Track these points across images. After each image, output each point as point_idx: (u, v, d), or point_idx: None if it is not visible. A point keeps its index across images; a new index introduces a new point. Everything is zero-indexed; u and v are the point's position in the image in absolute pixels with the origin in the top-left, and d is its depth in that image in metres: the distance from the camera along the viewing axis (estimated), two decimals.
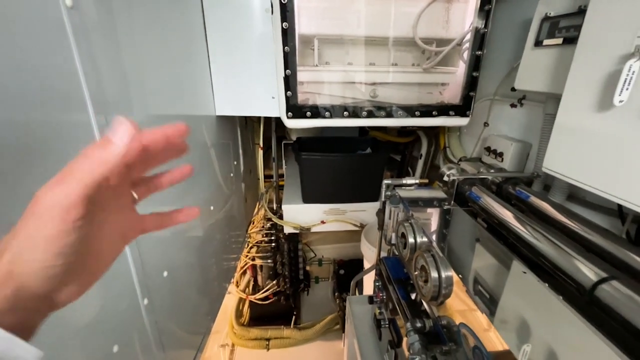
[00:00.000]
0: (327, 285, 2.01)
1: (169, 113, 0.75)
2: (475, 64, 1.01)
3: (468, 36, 1.00)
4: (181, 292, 0.83)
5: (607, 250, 0.57)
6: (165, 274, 0.67)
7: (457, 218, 0.78)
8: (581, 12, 0.68)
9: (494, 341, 0.45)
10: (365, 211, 1.48)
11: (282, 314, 1.82)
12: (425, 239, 0.68)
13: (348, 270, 1.89)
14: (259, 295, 1.70)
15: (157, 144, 0.28)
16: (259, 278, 1.78)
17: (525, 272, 0.53)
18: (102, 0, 0.49)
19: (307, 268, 1.83)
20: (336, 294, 1.80)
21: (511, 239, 0.67)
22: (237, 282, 1.83)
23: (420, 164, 1.72)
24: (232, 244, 1.54)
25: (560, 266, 0.54)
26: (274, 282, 1.70)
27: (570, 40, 0.71)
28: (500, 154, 1.05)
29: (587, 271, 0.49)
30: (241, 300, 1.89)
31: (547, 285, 0.49)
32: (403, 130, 1.77)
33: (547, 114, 0.86)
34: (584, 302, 0.47)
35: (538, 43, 0.81)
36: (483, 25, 0.97)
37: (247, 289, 1.79)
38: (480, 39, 0.98)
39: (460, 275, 0.53)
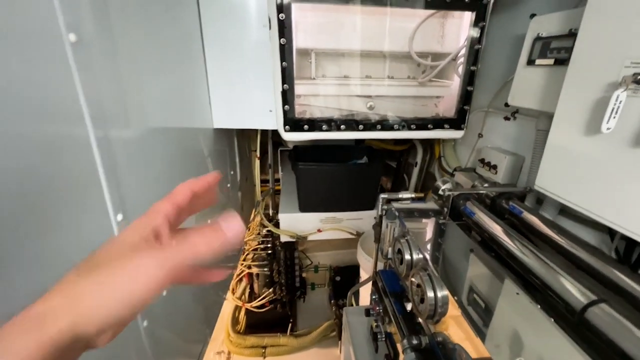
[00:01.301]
0: (323, 292, 2.01)
1: (167, 126, 0.76)
2: (469, 78, 1.03)
3: (463, 51, 1.02)
4: (179, 302, 0.83)
5: (595, 268, 0.59)
6: (164, 292, 0.68)
7: (452, 233, 0.80)
8: (571, 35, 0.70)
9: None
10: (361, 219, 1.50)
11: (278, 322, 1.82)
12: (421, 256, 0.69)
13: (344, 277, 1.90)
14: (256, 303, 1.70)
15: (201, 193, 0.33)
16: (255, 286, 1.78)
17: (518, 294, 0.54)
18: (99, 11, 0.49)
19: (303, 275, 1.84)
20: (332, 300, 1.81)
21: (503, 255, 0.69)
22: (233, 290, 1.83)
23: (415, 171, 1.74)
24: (229, 252, 1.54)
25: (551, 286, 0.56)
26: (270, 290, 1.70)
27: (562, 62, 0.73)
28: (494, 167, 1.07)
29: (577, 293, 0.51)
30: (237, 308, 1.89)
31: (539, 307, 0.51)
32: (399, 139, 1.79)
33: (539, 129, 0.88)
34: (574, 323, 0.49)
35: (530, 62, 0.83)
36: (477, 41, 0.99)
37: (243, 297, 1.79)
38: (474, 55, 1.00)
39: (455, 298, 0.54)
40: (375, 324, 0.87)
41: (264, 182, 1.93)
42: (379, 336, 0.82)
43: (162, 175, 0.71)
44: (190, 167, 0.89)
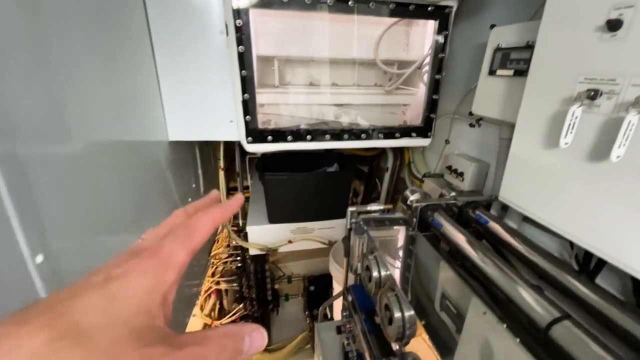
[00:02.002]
0: (298, 302, 1.96)
1: (114, 139, 0.69)
2: (435, 87, 1.03)
3: (428, 59, 1.02)
4: None
5: (556, 278, 0.59)
6: None
7: (421, 245, 0.79)
8: (529, 47, 0.71)
9: None
10: (333, 228, 1.47)
11: None
12: (389, 273, 0.67)
13: (319, 286, 1.87)
14: (225, 321, 1.62)
15: None
16: (225, 302, 1.69)
17: (485, 313, 0.53)
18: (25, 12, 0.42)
19: (276, 286, 1.78)
20: (307, 312, 1.77)
21: (469, 267, 0.68)
22: (201, 306, 1.74)
23: (387, 176, 1.74)
24: (194, 267, 1.45)
25: (516, 301, 0.55)
26: (241, 305, 1.63)
27: (521, 73, 0.73)
28: (461, 174, 1.08)
29: (541, 309, 0.50)
30: (206, 327, 1.79)
31: (505, 326, 0.49)
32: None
33: (502, 138, 0.89)
34: (541, 341, 0.48)
35: (492, 72, 0.84)
36: (441, 50, 0.99)
37: (212, 313, 1.70)
38: (439, 63, 1.00)
39: (423, 322, 0.52)
40: (346, 341, 0.84)
41: (232, 189, 1.85)
42: (350, 355, 0.79)
43: (106, 196, 0.63)
44: (143, 184, 0.82)
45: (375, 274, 0.68)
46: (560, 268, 0.61)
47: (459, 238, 0.72)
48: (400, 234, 0.88)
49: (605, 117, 0.47)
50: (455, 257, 0.73)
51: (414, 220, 0.86)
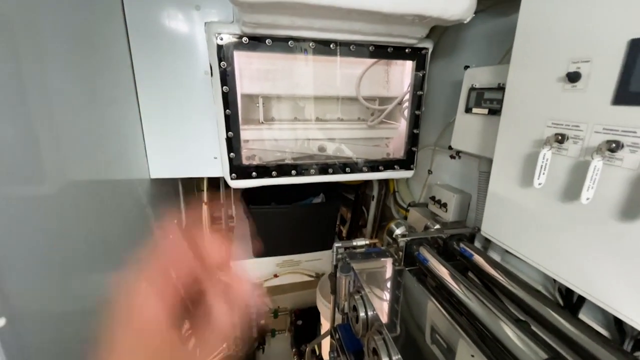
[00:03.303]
0: (285, 338, 1.87)
1: (93, 178, 0.67)
2: (415, 122, 1.07)
3: (407, 96, 1.06)
4: None
5: (541, 314, 0.59)
6: None
7: (408, 280, 0.78)
8: (500, 88, 0.75)
9: None
10: (320, 260, 1.45)
11: None
12: (376, 313, 0.65)
13: (306, 320, 1.79)
14: None
15: None
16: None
17: (473, 356, 0.52)
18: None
19: (262, 322, 1.70)
20: (294, 349, 1.69)
21: (455, 303, 0.67)
22: None
23: (373, 204, 1.75)
24: None
25: (502, 341, 0.54)
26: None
27: (494, 112, 0.77)
28: (445, 205, 1.10)
29: (530, 351, 0.49)
30: None
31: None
32: None
33: (481, 171, 0.92)
34: None
35: (468, 109, 0.88)
36: (420, 87, 1.03)
37: None
38: (417, 100, 1.05)
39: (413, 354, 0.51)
40: None
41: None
42: None
43: (83, 237, 0.61)
44: (123, 222, 0.79)
45: (362, 314, 0.66)
46: (543, 303, 0.61)
47: (444, 272, 0.72)
48: (387, 265, 0.88)
49: (574, 160, 0.49)
50: (442, 293, 0.73)
51: (400, 254, 0.85)
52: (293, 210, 1.32)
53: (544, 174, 0.52)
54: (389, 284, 0.77)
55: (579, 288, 0.51)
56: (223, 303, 0.35)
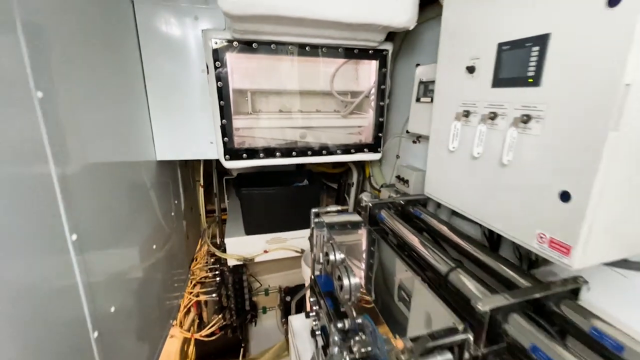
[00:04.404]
0: (275, 315, 2.05)
1: (110, 160, 0.83)
2: (380, 111, 1.27)
3: (373, 90, 1.26)
4: (130, 322, 0.86)
5: (471, 252, 0.79)
6: (112, 309, 0.72)
7: (383, 250, 0.97)
8: None
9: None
10: (304, 238, 1.63)
11: (230, 349, 1.81)
12: (342, 256, 0.84)
13: (294, 296, 1.98)
14: (205, 332, 1.68)
15: None
16: (204, 315, 1.76)
17: (407, 270, 0.71)
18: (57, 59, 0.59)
19: (254, 299, 1.88)
20: (283, 320, 1.87)
21: (401, 243, 0.87)
22: (180, 323, 1.79)
23: (352, 190, 1.95)
24: (175, 282, 1.54)
25: (428, 260, 0.74)
26: (220, 316, 1.71)
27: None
28: (407, 181, 1.30)
29: (443, 264, 0.69)
30: (186, 341, 1.83)
31: (420, 278, 0.68)
32: (335, 163, 2.00)
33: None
34: (444, 285, 0.67)
35: (418, 99, 1.08)
36: (382, 82, 1.23)
37: (191, 328, 1.75)
38: (381, 93, 1.25)
39: (369, 287, 0.69)
40: (314, 323, 0.98)
41: (210, 212, 1.98)
42: (316, 332, 0.93)
43: (111, 203, 0.78)
44: (132, 197, 0.96)
45: (331, 257, 0.85)
46: (474, 245, 0.81)
47: (398, 226, 0.92)
48: (363, 239, 1.06)
49: (473, 128, 0.69)
50: (401, 247, 0.92)
51: (364, 213, 1.05)
52: (280, 191, 1.50)
53: (456, 139, 0.72)
54: (353, 238, 0.96)
55: (478, 219, 0.72)
56: None
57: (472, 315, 0.57)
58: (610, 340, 0.49)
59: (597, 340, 0.51)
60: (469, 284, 0.62)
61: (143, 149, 1.02)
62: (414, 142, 1.35)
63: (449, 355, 0.49)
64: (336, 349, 0.71)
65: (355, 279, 0.73)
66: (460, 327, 0.53)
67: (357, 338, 0.70)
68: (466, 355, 0.55)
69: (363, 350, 0.66)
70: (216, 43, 0.98)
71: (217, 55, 0.98)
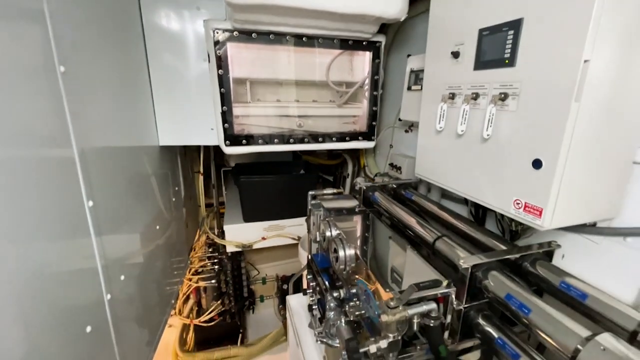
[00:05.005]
0: (272, 303, 2.10)
1: (116, 145, 0.88)
2: (374, 101, 1.33)
3: (367, 80, 1.32)
4: (139, 286, 0.91)
5: (458, 227, 0.85)
6: (122, 277, 0.77)
7: (378, 235, 1.03)
8: None
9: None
10: (301, 225, 1.68)
11: (228, 334, 1.85)
12: (338, 231, 0.90)
13: (293, 277, 2.03)
14: (204, 317, 1.73)
15: None
16: (203, 301, 1.81)
17: (390, 237, 0.77)
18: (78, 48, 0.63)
19: (252, 287, 1.92)
20: (280, 306, 1.92)
21: (399, 224, 0.93)
22: (179, 310, 1.83)
23: (348, 181, 2.00)
24: (175, 270, 1.58)
25: (417, 233, 0.80)
26: (219, 302, 1.75)
27: None
28: (399, 168, 1.36)
29: (430, 233, 0.75)
30: (185, 329, 1.87)
31: (409, 246, 0.74)
32: (331, 154, 2.06)
33: None
34: (431, 252, 0.73)
35: (409, 88, 1.14)
36: (376, 73, 1.29)
37: (190, 315, 1.80)
38: (375, 83, 1.30)
39: (365, 259, 0.75)
40: (311, 299, 1.04)
41: (208, 206, 2.02)
42: (313, 307, 0.99)
43: (119, 180, 0.82)
44: (138, 180, 1.00)
45: (328, 233, 0.90)
46: (461, 220, 0.87)
47: (391, 205, 0.98)
48: (358, 219, 1.12)
49: (458, 108, 0.75)
50: (395, 225, 0.98)
51: (358, 196, 1.10)
52: (277, 180, 1.55)
53: (442, 120, 0.78)
54: (348, 220, 1.01)
55: (463, 193, 0.78)
56: None
57: (456, 275, 0.63)
58: (576, 291, 0.56)
59: (565, 293, 0.57)
60: (454, 250, 0.68)
61: (147, 134, 1.07)
62: (406, 131, 1.41)
63: (433, 305, 0.55)
64: (332, 314, 0.76)
65: (350, 250, 0.78)
66: (445, 282, 0.59)
67: (351, 304, 0.75)
68: (449, 310, 0.61)
69: (357, 313, 0.72)
70: (217, 32, 1.02)
71: (218, 45, 1.03)
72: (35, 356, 0.50)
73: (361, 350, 0.56)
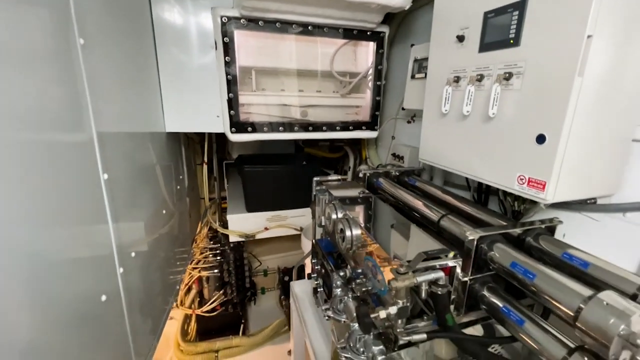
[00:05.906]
0: (274, 296, 2.11)
1: (126, 130, 0.89)
2: (377, 91, 1.35)
3: (370, 71, 1.34)
4: (147, 269, 0.93)
5: (461, 208, 0.87)
6: (133, 254, 0.79)
7: (379, 221, 1.05)
8: None
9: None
10: (304, 216, 1.69)
11: (230, 324, 1.86)
12: (344, 212, 0.91)
13: (292, 277, 2.04)
14: (206, 308, 1.74)
15: None
16: (205, 291, 1.81)
17: (394, 222, 0.79)
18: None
19: (253, 278, 1.93)
20: (282, 297, 1.93)
21: (405, 207, 0.95)
22: (181, 302, 1.84)
23: (349, 175, 2.02)
24: (177, 259, 1.59)
25: (423, 213, 0.82)
26: (221, 292, 1.76)
27: None
28: (402, 157, 1.38)
29: (436, 213, 0.77)
30: (187, 319, 1.88)
31: (414, 224, 0.76)
32: (333, 147, 2.07)
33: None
34: (437, 229, 0.74)
35: (413, 76, 1.16)
36: (380, 63, 1.31)
37: (193, 305, 1.80)
38: (378, 73, 1.32)
39: (375, 240, 0.76)
40: (315, 282, 1.05)
41: (210, 200, 2.03)
42: (318, 289, 1.00)
43: (129, 158, 0.84)
44: (146, 167, 1.02)
45: (334, 215, 0.92)
46: (464, 201, 0.89)
47: (395, 189, 1.00)
48: (362, 209, 1.14)
49: (463, 91, 0.77)
50: (399, 208, 1.00)
51: (362, 183, 1.12)
52: (280, 170, 1.57)
53: (448, 103, 0.80)
54: (352, 207, 1.03)
55: (467, 173, 0.80)
56: None
57: (462, 252, 0.64)
58: (578, 260, 0.58)
59: (568, 263, 0.59)
60: (459, 226, 0.70)
61: (154, 121, 1.08)
62: (409, 122, 1.43)
63: (441, 273, 0.57)
64: (339, 290, 0.78)
65: (356, 229, 0.80)
66: (451, 254, 0.61)
67: (357, 281, 0.77)
68: (455, 281, 0.62)
69: (364, 289, 0.74)
70: (225, 20, 1.04)
71: (225, 32, 1.05)
72: (60, 319, 0.52)
73: (372, 315, 0.58)
